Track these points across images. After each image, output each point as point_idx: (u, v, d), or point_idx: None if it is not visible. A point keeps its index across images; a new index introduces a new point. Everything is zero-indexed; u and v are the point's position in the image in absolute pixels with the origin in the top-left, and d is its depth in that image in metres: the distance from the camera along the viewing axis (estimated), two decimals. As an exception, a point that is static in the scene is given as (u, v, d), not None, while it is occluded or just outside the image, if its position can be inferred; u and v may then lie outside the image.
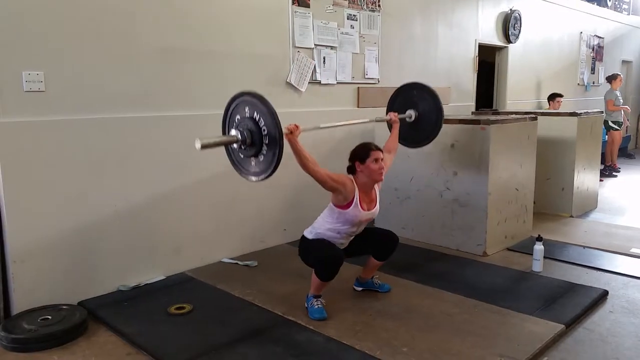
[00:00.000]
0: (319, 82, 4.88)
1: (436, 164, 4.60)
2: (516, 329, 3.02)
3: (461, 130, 4.43)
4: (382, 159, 3.22)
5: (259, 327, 3.06)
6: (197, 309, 3.32)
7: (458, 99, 6.78)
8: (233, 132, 2.83)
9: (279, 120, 2.70)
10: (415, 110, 3.89)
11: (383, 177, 3.26)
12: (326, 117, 4.95)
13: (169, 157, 3.87)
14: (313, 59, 4.79)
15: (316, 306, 3.20)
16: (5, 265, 3.26)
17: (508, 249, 4.56)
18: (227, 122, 2.98)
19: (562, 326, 3.02)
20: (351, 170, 3.29)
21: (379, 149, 3.25)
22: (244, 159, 2.94)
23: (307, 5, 4.70)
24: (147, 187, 3.77)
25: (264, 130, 2.74)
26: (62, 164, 3.35)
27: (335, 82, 5.02)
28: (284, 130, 2.81)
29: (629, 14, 11.79)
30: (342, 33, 5.04)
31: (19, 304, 3.23)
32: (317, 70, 4.83)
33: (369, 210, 3.27)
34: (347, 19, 5.10)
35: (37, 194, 3.27)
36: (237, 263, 4.18)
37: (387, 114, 3.89)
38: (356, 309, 3.31)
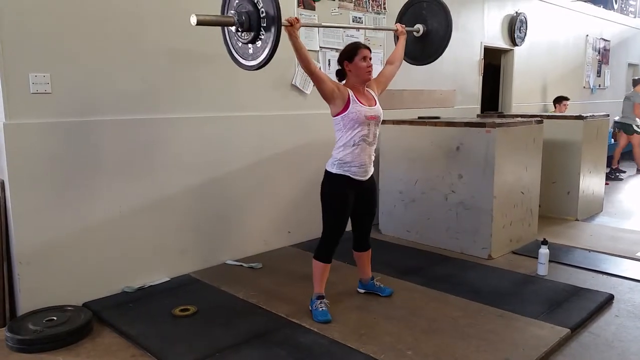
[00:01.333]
0: (324, 85, 4.87)
1: (441, 167, 4.59)
2: (521, 333, 3.00)
3: (466, 133, 4.42)
4: (370, 58, 3.17)
5: (263, 330, 3.06)
6: (201, 310, 3.32)
7: (463, 102, 6.78)
8: (232, 12, 2.74)
9: (278, 3, 2.64)
10: (424, 25, 3.78)
11: (371, 76, 3.23)
12: (331, 119, 4.96)
13: (174, 158, 3.88)
14: (318, 61, 4.79)
15: (320, 309, 3.20)
16: (11, 266, 3.27)
17: (513, 253, 4.55)
18: (226, 5, 2.90)
19: (568, 330, 3.01)
20: (340, 73, 3.26)
21: (367, 47, 3.21)
22: (241, 47, 2.85)
23: (313, 8, 4.70)
24: (151, 189, 3.78)
25: (262, 12, 2.67)
26: (68, 166, 3.36)
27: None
28: (284, 22, 2.77)
29: (635, 17, 11.75)
30: (347, 36, 5.04)
31: (24, 305, 3.24)
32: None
33: (369, 106, 3.20)
34: (353, 21, 5.10)
35: (43, 195, 3.28)
36: (241, 265, 4.18)
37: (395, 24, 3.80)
38: (360, 311, 3.31)
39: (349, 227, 3.34)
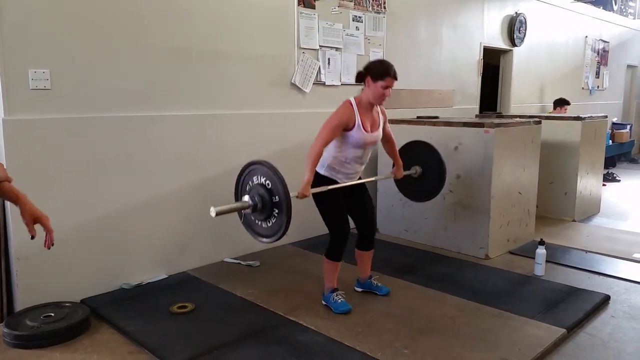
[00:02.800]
0: (324, 83, 4.89)
1: (439, 167, 4.59)
2: (517, 332, 3.02)
3: (465, 133, 4.43)
4: (390, 88, 3.17)
5: (261, 327, 3.07)
6: (199, 308, 3.33)
7: (462, 102, 6.79)
8: (246, 197, 2.92)
9: (287, 189, 2.78)
10: (421, 167, 3.87)
11: (383, 104, 3.26)
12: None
13: (173, 155, 3.88)
14: (318, 60, 4.80)
15: (339, 300, 3.27)
16: (9, 262, 3.28)
17: (510, 253, 4.56)
18: (239, 188, 3.06)
19: (564, 330, 3.02)
20: (360, 77, 3.23)
21: (395, 78, 3.17)
22: (254, 221, 3.02)
23: (313, 7, 4.70)
24: (150, 186, 3.78)
25: (275, 198, 2.83)
26: (67, 162, 3.37)
27: (339, 84, 5.03)
28: (294, 197, 2.90)
29: (634, 18, 11.76)
30: (347, 34, 5.05)
31: (22, 301, 3.24)
32: (322, 71, 4.84)
33: (372, 132, 3.24)
34: (353, 20, 5.10)
35: (41, 192, 3.26)
36: (239, 263, 4.19)
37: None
38: (358, 310, 3.31)
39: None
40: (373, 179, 3.65)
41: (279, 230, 2.86)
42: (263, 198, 2.86)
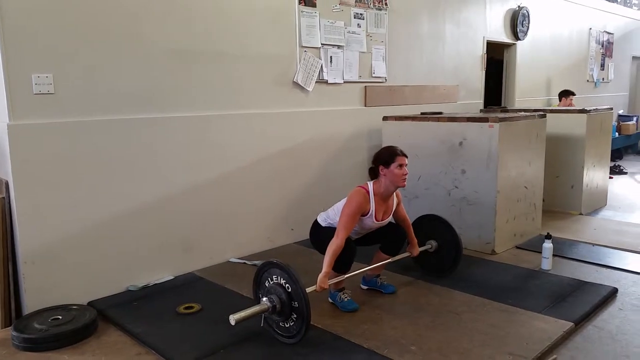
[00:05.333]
0: (326, 82, 4.88)
1: (444, 163, 4.58)
2: (525, 327, 3.00)
3: (469, 128, 4.41)
4: (406, 165, 3.22)
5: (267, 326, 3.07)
6: (205, 308, 3.34)
7: (466, 97, 6.77)
8: (264, 299, 2.88)
9: (305, 294, 2.76)
10: (436, 241, 3.82)
11: (405, 183, 3.26)
12: (333, 116, 4.98)
13: (178, 157, 3.89)
14: (320, 58, 4.80)
15: (346, 299, 3.27)
16: (17, 266, 3.29)
17: (517, 247, 4.54)
18: (257, 288, 3.05)
19: (572, 324, 3.00)
20: (374, 173, 3.29)
21: (404, 155, 3.24)
22: (274, 322, 2.97)
23: (314, 5, 4.70)
24: (155, 188, 3.79)
25: (294, 303, 2.81)
26: (72, 165, 3.38)
27: (342, 82, 5.02)
28: (314, 291, 2.90)
29: (639, 9, 11.67)
30: (349, 32, 5.04)
31: (30, 304, 3.26)
32: (324, 69, 4.84)
33: (382, 220, 3.30)
34: (354, 17, 5.10)
35: (47, 195, 3.30)
36: (245, 263, 4.20)
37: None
38: (364, 307, 3.31)
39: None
40: (389, 260, 3.55)
41: (297, 334, 2.82)
42: (282, 299, 2.83)
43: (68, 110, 3.34)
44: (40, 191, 3.27)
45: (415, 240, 3.67)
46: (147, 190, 3.75)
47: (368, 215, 3.22)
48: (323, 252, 3.19)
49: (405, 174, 3.22)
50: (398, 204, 3.45)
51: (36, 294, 3.28)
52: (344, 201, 3.26)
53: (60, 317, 3.11)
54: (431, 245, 3.80)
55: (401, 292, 3.54)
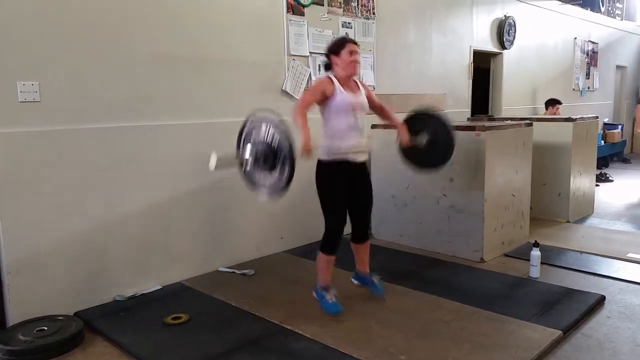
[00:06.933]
0: (315, 90, 4.88)
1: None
2: (514, 335, 3.01)
3: (457, 137, 4.41)
4: (357, 53, 3.24)
5: (256, 337, 3.05)
6: (193, 318, 3.30)
7: (453, 106, 6.80)
8: (247, 152, 2.85)
9: (293, 141, 2.74)
10: (427, 136, 3.70)
11: (356, 70, 3.28)
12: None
13: (165, 165, 3.87)
14: (308, 66, 4.80)
15: (330, 301, 3.26)
16: (1, 276, 3.24)
17: (505, 255, 4.56)
18: (241, 140, 3.02)
19: (560, 332, 3.02)
20: (328, 66, 3.32)
21: (354, 42, 3.28)
22: (256, 177, 2.96)
23: (302, 14, 4.71)
24: (142, 197, 3.76)
25: (279, 153, 2.78)
26: (58, 174, 3.35)
27: (330, 90, 5.02)
28: (299, 154, 2.85)
29: (622, 20, 11.84)
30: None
31: (14, 315, 3.21)
32: (313, 77, 4.84)
33: (356, 98, 3.28)
34: (342, 26, 5.11)
35: (32, 205, 3.26)
36: (234, 272, 4.17)
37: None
38: (353, 316, 3.30)
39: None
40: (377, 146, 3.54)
41: (281, 182, 2.80)
42: (265, 149, 2.78)
43: (54, 118, 3.31)
44: (25, 200, 3.23)
45: (404, 126, 3.62)
46: (134, 198, 3.72)
47: (337, 92, 3.18)
48: (323, 195, 3.25)
49: (355, 61, 3.23)
50: (369, 94, 3.44)
51: (21, 305, 3.23)
52: (323, 123, 3.28)
53: (45, 328, 3.06)
54: (421, 140, 3.71)
55: (390, 302, 3.53)
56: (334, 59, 3.25)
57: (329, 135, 3.24)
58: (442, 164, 3.81)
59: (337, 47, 3.24)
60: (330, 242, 3.28)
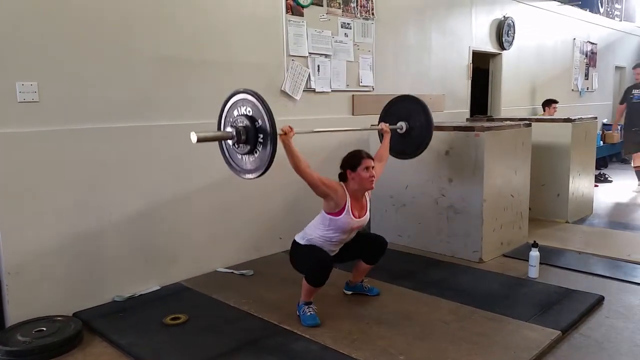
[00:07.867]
0: (314, 90, 4.89)
1: (431, 171, 4.60)
2: (512, 335, 3.01)
3: (456, 137, 4.44)
4: (373, 167, 3.23)
5: (255, 337, 3.05)
6: (192, 319, 3.30)
7: (452, 106, 6.80)
8: (229, 128, 2.85)
9: (273, 119, 2.74)
10: (407, 122, 3.94)
11: (374, 185, 3.27)
12: (321, 124, 4.95)
13: (164, 167, 3.87)
14: (307, 67, 4.80)
15: (308, 313, 3.21)
16: (0, 277, 3.24)
17: (504, 256, 4.56)
18: (222, 119, 3.01)
19: (559, 332, 3.02)
20: (342, 177, 3.31)
21: (370, 157, 3.27)
22: (238, 157, 2.96)
23: (301, 14, 4.71)
24: (141, 198, 3.76)
25: (259, 128, 2.77)
26: (57, 175, 3.34)
27: (329, 90, 5.03)
28: (278, 131, 2.84)
29: (621, 20, 11.85)
30: (336, 41, 5.06)
31: (13, 316, 3.21)
32: (312, 78, 4.84)
33: (360, 217, 3.28)
34: (341, 27, 5.11)
35: (32, 205, 3.26)
36: (232, 272, 4.17)
37: (378, 124, 3.94)
38: (352, 316, 3.30)
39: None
40: (361, 128, 3.67)
41: (262, 163, 2.80)
42: (247, 129, 2.77)
43: (53, 118, 3.31)
44: (24, 201, 3.23)
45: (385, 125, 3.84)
46: (134, 199, 3.72)
47: (345, 212, 3.18)
48: (302, 271, 3.21)
49: (372, 176, 3.23)
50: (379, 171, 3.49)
51: (20, 306, 3.23)
52: (318, 217, 3.30)
53: (44, 329, 3.06)
54: (402, 126, 3.90)
55: (389, 302, 3.53)
56: (350, 173, 3.24)
57: (317, 235, 3.25)
58: (418, 151, 3.97)
59: (353, 163, 3.23)
60: (315, 279, 3.16)
